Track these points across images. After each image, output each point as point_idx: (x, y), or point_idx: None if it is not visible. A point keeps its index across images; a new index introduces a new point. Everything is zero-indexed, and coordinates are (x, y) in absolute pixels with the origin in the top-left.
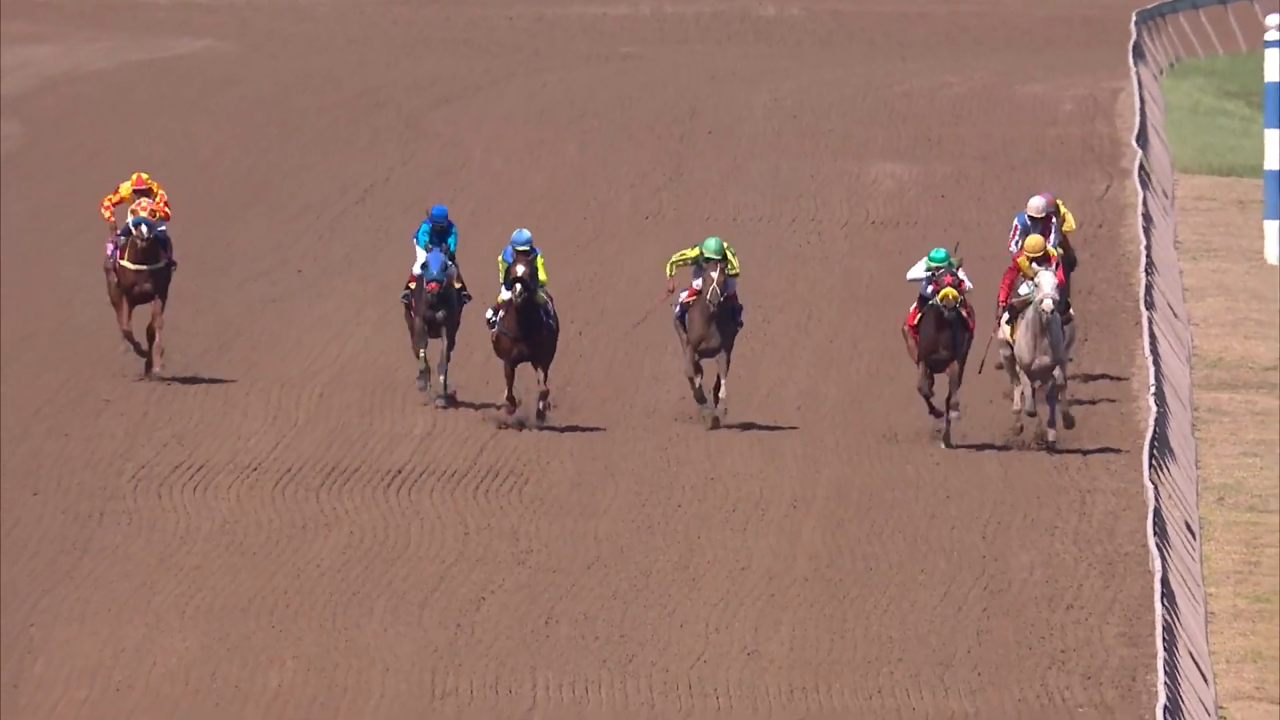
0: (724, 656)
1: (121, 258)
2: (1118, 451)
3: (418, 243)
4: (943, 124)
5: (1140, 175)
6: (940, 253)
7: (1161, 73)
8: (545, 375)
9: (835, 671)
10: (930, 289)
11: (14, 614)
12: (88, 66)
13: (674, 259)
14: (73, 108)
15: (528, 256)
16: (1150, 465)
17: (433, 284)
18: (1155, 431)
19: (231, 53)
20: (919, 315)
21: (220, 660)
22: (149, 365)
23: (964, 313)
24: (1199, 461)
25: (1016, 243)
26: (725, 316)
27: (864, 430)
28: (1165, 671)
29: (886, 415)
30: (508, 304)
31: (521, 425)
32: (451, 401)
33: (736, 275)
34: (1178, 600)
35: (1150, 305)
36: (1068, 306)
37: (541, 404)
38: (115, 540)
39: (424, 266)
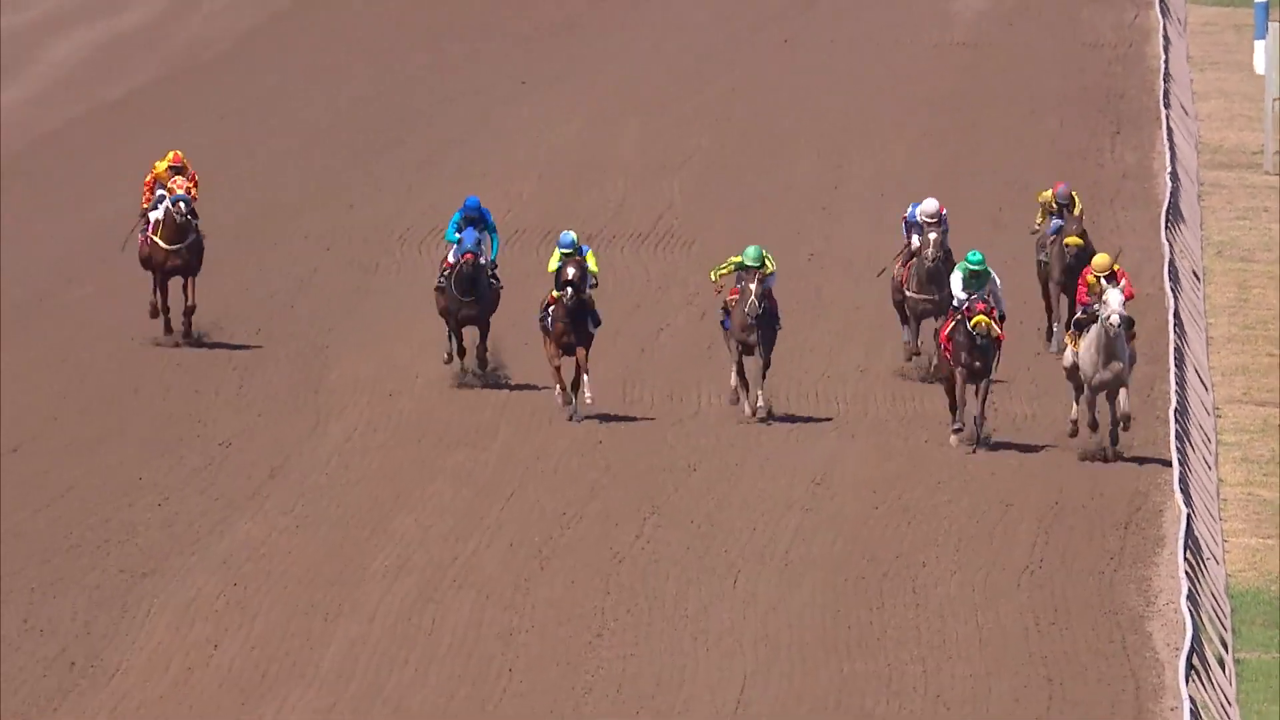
0: (843, 373)
1: (154, 234)
2: (1142, 217)
3: (448, 234)
4: None
5: (1160, 5)
6: (976, 255)
7: None
8: (585, 377)
9: (930, 383)
10: (964, 305)
11: (314, 338)
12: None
13: (718, 268)
14: None
15: (576, 258)
16: (1166, 226)
17: (468, 254)
18: (1170, 201)
19: None
20: (952, 326)
21: (468, 377)
22: (173, 329)
23: (995, 326)
24: (1203, 223)
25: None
26: (766, 320)
27: (948, 198)
28: (1176, 382)
29: (959, 187)
30: (558, 303)
31: (569, 414)
32: (490, 379)
33: (773, 274)
34: (1186, 328)
35: (1167, 105)
36: (1132, 323)
37: (586, 391)
38: (388, 284)
39: (458, 242)
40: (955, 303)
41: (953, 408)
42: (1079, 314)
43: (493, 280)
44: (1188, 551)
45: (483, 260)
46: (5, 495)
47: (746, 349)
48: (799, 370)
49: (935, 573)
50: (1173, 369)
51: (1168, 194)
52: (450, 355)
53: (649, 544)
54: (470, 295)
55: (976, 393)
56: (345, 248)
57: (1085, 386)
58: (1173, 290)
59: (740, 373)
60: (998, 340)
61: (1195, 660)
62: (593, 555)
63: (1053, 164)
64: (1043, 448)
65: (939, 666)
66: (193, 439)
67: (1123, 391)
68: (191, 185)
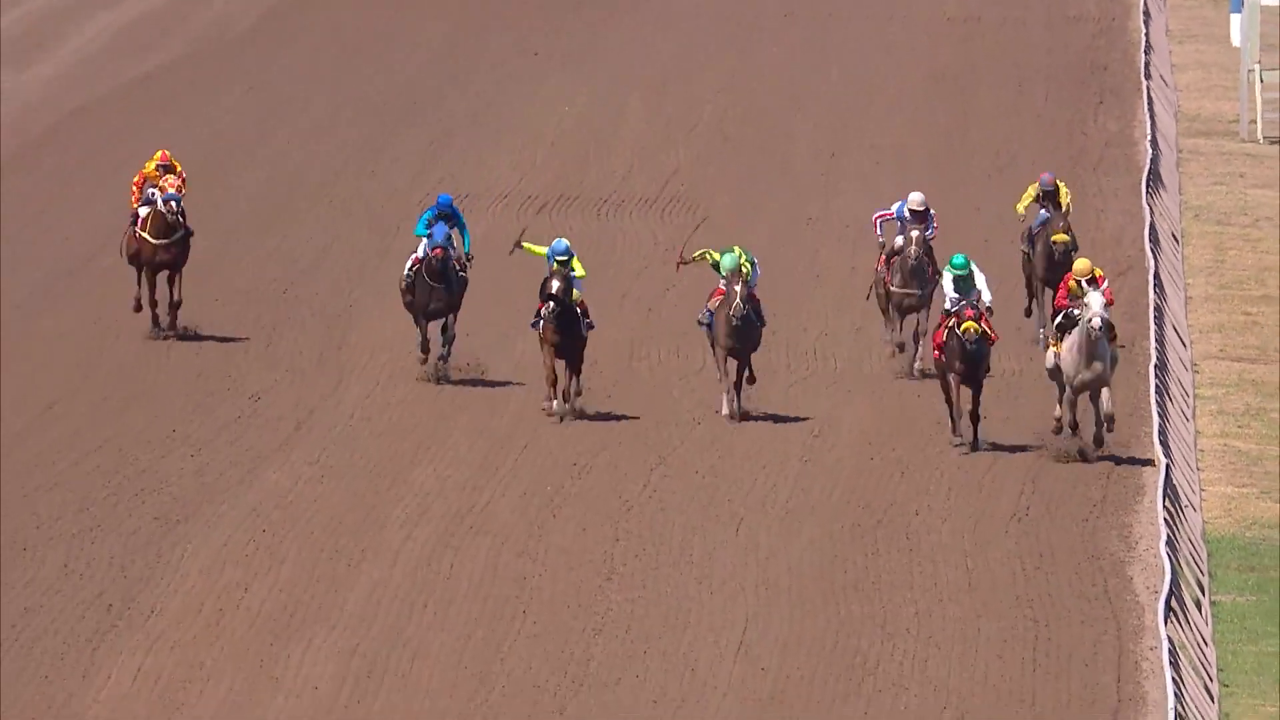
0: (839, 332)
1: (143, 229)
2: (1124, 182)
3: (418, 229)
4: None
5: None
6: (959, 258)
7: None
8: (577, 378)
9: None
10: (955, 310)
11: (337, 299)
12: None
13: (702, 253)
14: None
15: (564, 270)
16: (1147, 191)
17: (437, 249)
18: (1150, 167)
19: None
20: (945, 334)
21: (477, 330)
22: (160, 324)
23: (987, 328)
24: (1182, 188)
25: (882, 227)
26: (747, 324)
27: (940, 166)
28: (1155, 339)
29: (951, 155)
30: (547, 314)
31: (558, 414)
32: (448, 377)
33: (755, 273)
34: (1165, 288)
35: (1148, 76)
36: (1112, 327)
37: (576, 402)
38: (406, 248)
39: (428, 236)
40: (947, 306)
41: (952, 417)
42: (1060, 318)
43: (461, 274)
44: (1167, 500)
45: (452, 253)
46: (46, 447)
47: (730, 353)
48: (798, 330)
49: (927, 521)
50: (1153, 326)
51: (1148, 161)
52: (423, 352)
53: (656, 493)
54: (440, 284)
55: (971, 398)
56: (366, 214)
57: (1067, 386)
58: (1153, 252)
59: (725, 368)
60: (990, 341)
61: (1174, 603)
62: (602, 504)
63: (1039, 133)
64: (1029, 402)
65: (930, 609)
66: (223, 394)
67: (1105, 391)
68: (181, 183)
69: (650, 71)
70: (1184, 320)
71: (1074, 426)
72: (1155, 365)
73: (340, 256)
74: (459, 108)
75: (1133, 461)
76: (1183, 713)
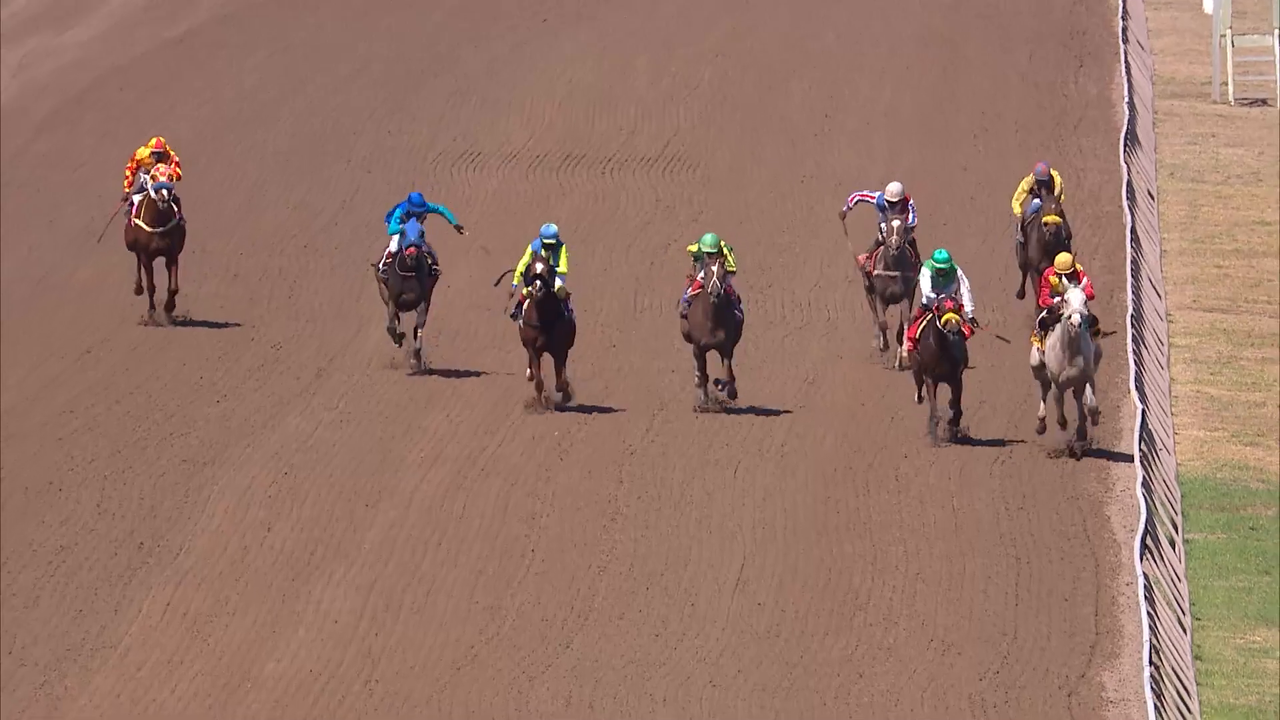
0: (833, 282)
1: (137, 217)
2: (1103, 142)
3: (389, 225)
4: None
5: None
6: (942, 253)
7: None
8: (564, 366)
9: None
10: (933, 306)
11: (356, 252)
12: None
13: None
14: None
15: (547, 255)
16: (1124, 150)
17: (411, 248)
18: (1128, 128)
19: None
20: (920, 328)
21: (489, 277)
22: (156, 308)
23: (963, 328)
24: (1157, 147)
25: (854, 205)
26: (726, 309)
27: (929, 125)
28: (1132, 290)
29: (939, 115)
30: (529, 299)
31: (545, 407)
32: (426, 368)
33: (733, 272)
34: (1141, 242)
35: (1125, 41)
36: (1095, 321)
37: (562, 395)
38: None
39: (401, 234)
40: (924, 302)
41: (931, 416)
42: (1043, 313)
43: (433, 269)
44: (1142, 443)
45: (425, 248)
46: (80, 392)
47: (709, 347)
48: (793, 281)
49: (915, 463)
50: (1129, 279)
51: (1125, 121)
52: (397, 337)
53: (658, 438)
54: (413, 276)
55: (952, 394)
56: (384, 170)
57: (1053, 383)
58: (1130, 208)
59: (703, 368)
60: (965, 337)
61: (1149, 541)
62: (607, 447)
63: (1023, 95)
64: (1012, 352)
65: (918, 548)
66: (247, 342)
67: (1089, 387)
68: (175, 170)
69: (654, 34)
70: (1159, 273)
71: (1062, 423)
72: (1132, 316)
73: (360, 211)
74: (473, 68)
75: (1110, 407)
76: (1157, 645)
